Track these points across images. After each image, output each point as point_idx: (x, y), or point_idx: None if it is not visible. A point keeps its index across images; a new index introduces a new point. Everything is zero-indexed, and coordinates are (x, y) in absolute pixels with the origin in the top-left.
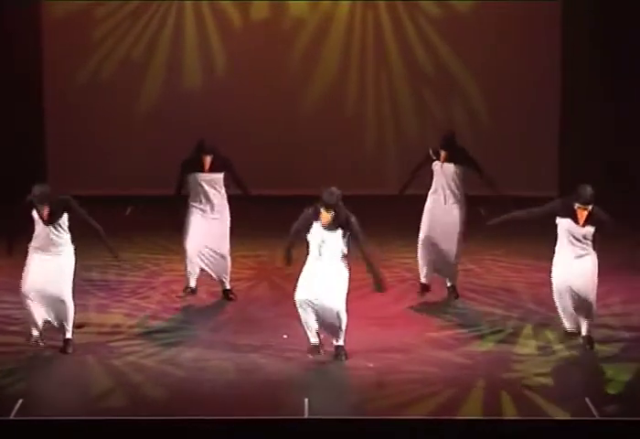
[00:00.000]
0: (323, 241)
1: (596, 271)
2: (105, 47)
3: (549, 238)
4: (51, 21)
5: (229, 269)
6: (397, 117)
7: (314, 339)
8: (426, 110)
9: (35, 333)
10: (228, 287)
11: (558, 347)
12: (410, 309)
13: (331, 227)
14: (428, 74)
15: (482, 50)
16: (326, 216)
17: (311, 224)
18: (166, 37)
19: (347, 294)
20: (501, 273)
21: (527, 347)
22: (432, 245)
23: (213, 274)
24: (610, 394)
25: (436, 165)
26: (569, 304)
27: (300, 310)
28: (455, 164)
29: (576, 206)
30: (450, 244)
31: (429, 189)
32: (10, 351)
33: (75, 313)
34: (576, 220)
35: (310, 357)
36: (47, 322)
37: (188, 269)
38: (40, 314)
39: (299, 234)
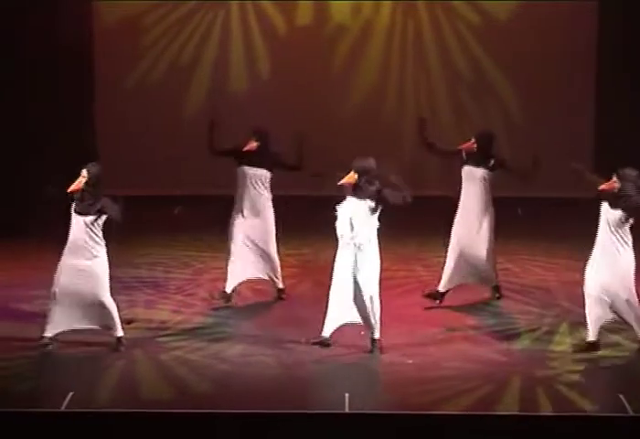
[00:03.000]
0: (351, 218)
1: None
2: (154, 52)
3: (586, 236)
4: (103, 26)
5: (278, 269)
6: (436, 121)
7: (326, 334)
8: (465, 114)
9: (48, 334)
10: (280, 286)
11: None
12: (447, 307)
13: (358, 193)
14: (467, 78)
15: (519, 53)
16: (352, 176)
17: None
18: (213, 43)
19: (382, 292)
20: (538, 272)
21: (562, 344)
22: (463, 256)
23: (262, 275)
24: None
25: (465, 169)
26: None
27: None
28: (485, 168)
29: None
30: (481, 252)
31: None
32: (60, 347)
33: (121, 309)
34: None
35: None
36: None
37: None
38: (68, 319)
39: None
